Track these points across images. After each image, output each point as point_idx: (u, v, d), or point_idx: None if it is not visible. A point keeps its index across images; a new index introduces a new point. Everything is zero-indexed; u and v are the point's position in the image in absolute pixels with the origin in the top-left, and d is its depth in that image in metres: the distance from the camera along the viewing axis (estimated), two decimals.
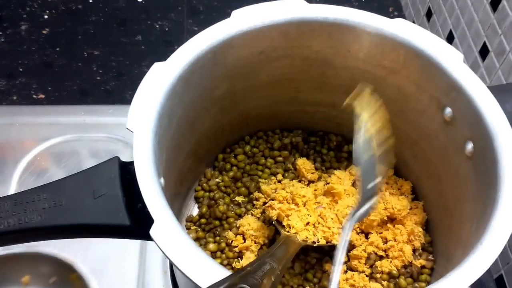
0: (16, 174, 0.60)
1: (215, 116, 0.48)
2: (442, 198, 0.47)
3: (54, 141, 0.63)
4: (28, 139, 0.64)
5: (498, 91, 0.40)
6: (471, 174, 0.41)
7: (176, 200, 0.48)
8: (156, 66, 0.39)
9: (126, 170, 0.35)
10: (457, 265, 0.33)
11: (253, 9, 0.43)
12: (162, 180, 0.35)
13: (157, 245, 0.31)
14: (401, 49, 0.43)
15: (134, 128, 0.35)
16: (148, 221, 0.31)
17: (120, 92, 0.75)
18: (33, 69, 0.77)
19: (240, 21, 0.42)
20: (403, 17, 0.86)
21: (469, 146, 0.40)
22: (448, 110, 0.42)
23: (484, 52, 0.62)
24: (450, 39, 0.71)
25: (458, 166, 0.43)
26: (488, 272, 0.57)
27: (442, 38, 0.70)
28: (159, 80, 0.38)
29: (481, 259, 0.33)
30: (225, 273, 0.30)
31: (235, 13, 0.42)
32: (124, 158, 0.61)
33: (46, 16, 0.84)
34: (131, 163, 0.34)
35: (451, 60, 0.41)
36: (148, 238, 0.31)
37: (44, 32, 0.82)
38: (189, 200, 0.53)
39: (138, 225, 0.33)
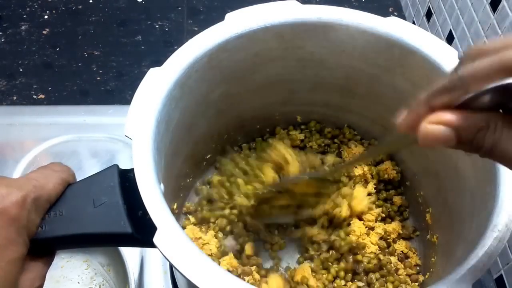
0: (16, 174, 0.60)
1: (211, 119, 0.48)
2: (441, 194, 0.47)
3: (54, 141, 0.64)
4: (28, 139, 0.64)
5: None
6: (469, 169, 0.41)
7: (173, 204, 0.49)
8: (152, 72, 0.39)
9: (126, 178, 0.35)
10: (458, 264, 0.34)
11: (247, 11, 0.42)
12: (162, 186, 0.35)
13: (162, 253, 0.30)
14: (395, 47, 0.43)
15: (133, 135, 0.35)
16: (149, 228, 0.31)
17: (120, 92, 0.75)
18: (33, 69, 0.77)
19: (235, 24, 0.42)
20: (403, 17, 0.85)
21: None
22: None
23: None
24: (450, 39, 0.70)
25: (456, 162, 0.43)
26: (488, 272, 0.57)
27: (442, 39, 0.70)
28: (155, 86, 0.38)
29: (481, 258, 0.33)
30: (233, 279, 0.30)
31: (229, 16, 0.42)
32: (124, 158, 0.62)
33: (46, 16, 0.84)
34: (130, 170, 0.34)
35: (446, 56, 0.41)
36: (151, 245, 0.31)
37: (44, 32, 0.82)
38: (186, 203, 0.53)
39: (140, 233, 0.33)
